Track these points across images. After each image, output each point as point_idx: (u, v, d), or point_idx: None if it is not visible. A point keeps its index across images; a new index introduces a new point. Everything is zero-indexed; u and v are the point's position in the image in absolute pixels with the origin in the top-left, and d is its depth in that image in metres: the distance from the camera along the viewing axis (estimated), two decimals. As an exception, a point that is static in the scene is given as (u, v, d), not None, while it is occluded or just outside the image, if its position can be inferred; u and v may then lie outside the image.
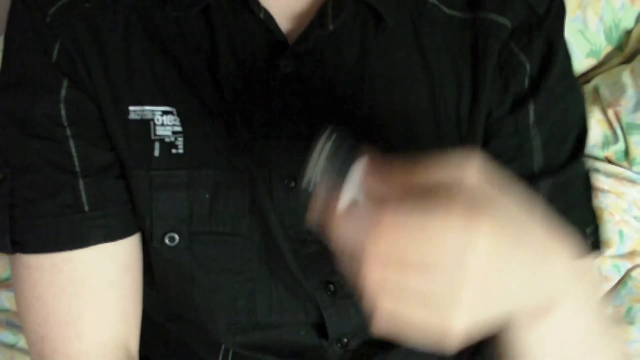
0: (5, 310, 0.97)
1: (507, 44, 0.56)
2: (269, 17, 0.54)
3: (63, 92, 0.54)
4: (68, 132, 0.54)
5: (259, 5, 0.53)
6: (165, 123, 0.55)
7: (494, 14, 0.56)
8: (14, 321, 0.94)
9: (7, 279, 0.99)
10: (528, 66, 0.57)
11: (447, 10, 0.56)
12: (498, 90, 0.57)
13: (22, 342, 0.92)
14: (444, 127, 0.56)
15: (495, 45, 0.56)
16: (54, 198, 0.54)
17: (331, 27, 0.53)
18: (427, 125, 0.56)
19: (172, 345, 0.67)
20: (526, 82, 0.57)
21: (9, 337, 0.93)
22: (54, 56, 0.54)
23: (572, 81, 0.60)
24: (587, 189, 0.61)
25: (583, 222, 0.61)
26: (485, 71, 0.56)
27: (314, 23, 0.54)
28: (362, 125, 0.55)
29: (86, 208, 0.54)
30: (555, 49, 0.57)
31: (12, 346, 0.92)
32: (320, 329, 0.63)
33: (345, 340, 0.63)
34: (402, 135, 0.56)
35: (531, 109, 0.57)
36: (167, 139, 0.55)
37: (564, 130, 0.59)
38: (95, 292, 0.56)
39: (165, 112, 0.55)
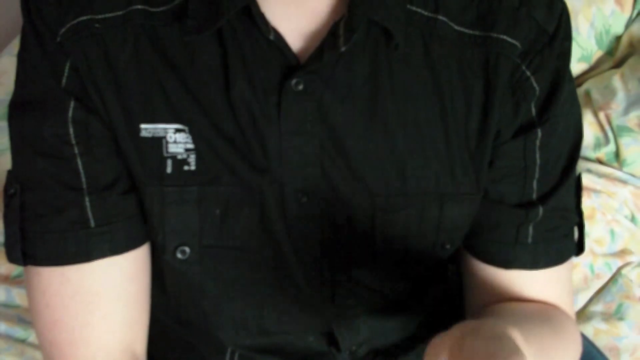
0: (16, 307, 0.98)
1: (519, 66, 0.56)
2: (279, 37, 0.53)
3: (70, 113, 0.54)
4: (76, 150, 0.55)
5: (268, 26, 0.53)
6: (178, 140, 0.55)
7: (504, 35, 0.56)
8: (25, 317, 0.95)
9: (17, 276, 1.00)
10: (538, 91, 0.57)
11: (456, 27, 0.56)
12: (509, 111, 0.57)
13: (32, 337, 0.93)
14: (453, 141, 0.57)
15: (506, 64, 0.56)
16: (62, 214, 0.55)
17: (343, 48, 0.52)
18: (438, 140, 0.57)
19: (177, 345, 0.68)
20: (536, 106, 0.58)
21: (19, 332, 0.94)
22: (64, 76, 0.54)
23: (574, 99, 0.61)
24: (577, 193, 0.63)
25: (571, 224, 0.63)
26: (496, 89, 0.56)
27: (325, 43, 0.53)
28: (376, 142, 0.56)
29: (92, 224, 0.55)
30: (563, 74, 0.58)
31: (22, 341, 0.93)
32: (330, 337, 0.64)
33: (354, 347, 0.65)
34: (415, 150, 0.57)
35: (539, 133, 0.58)
36: (179, 156, 0.55)
37: (561, 147, 0.60)
38: (101, 300, 0.57)
39: (177, 130, 0.55)
